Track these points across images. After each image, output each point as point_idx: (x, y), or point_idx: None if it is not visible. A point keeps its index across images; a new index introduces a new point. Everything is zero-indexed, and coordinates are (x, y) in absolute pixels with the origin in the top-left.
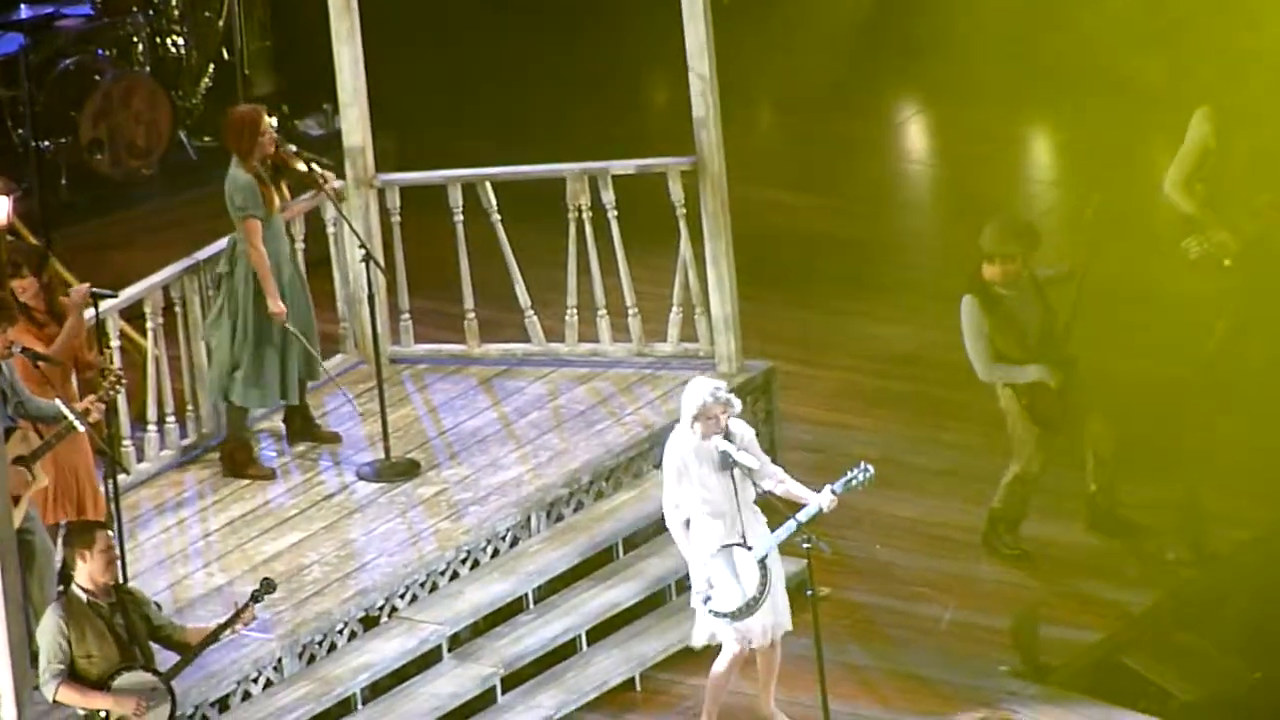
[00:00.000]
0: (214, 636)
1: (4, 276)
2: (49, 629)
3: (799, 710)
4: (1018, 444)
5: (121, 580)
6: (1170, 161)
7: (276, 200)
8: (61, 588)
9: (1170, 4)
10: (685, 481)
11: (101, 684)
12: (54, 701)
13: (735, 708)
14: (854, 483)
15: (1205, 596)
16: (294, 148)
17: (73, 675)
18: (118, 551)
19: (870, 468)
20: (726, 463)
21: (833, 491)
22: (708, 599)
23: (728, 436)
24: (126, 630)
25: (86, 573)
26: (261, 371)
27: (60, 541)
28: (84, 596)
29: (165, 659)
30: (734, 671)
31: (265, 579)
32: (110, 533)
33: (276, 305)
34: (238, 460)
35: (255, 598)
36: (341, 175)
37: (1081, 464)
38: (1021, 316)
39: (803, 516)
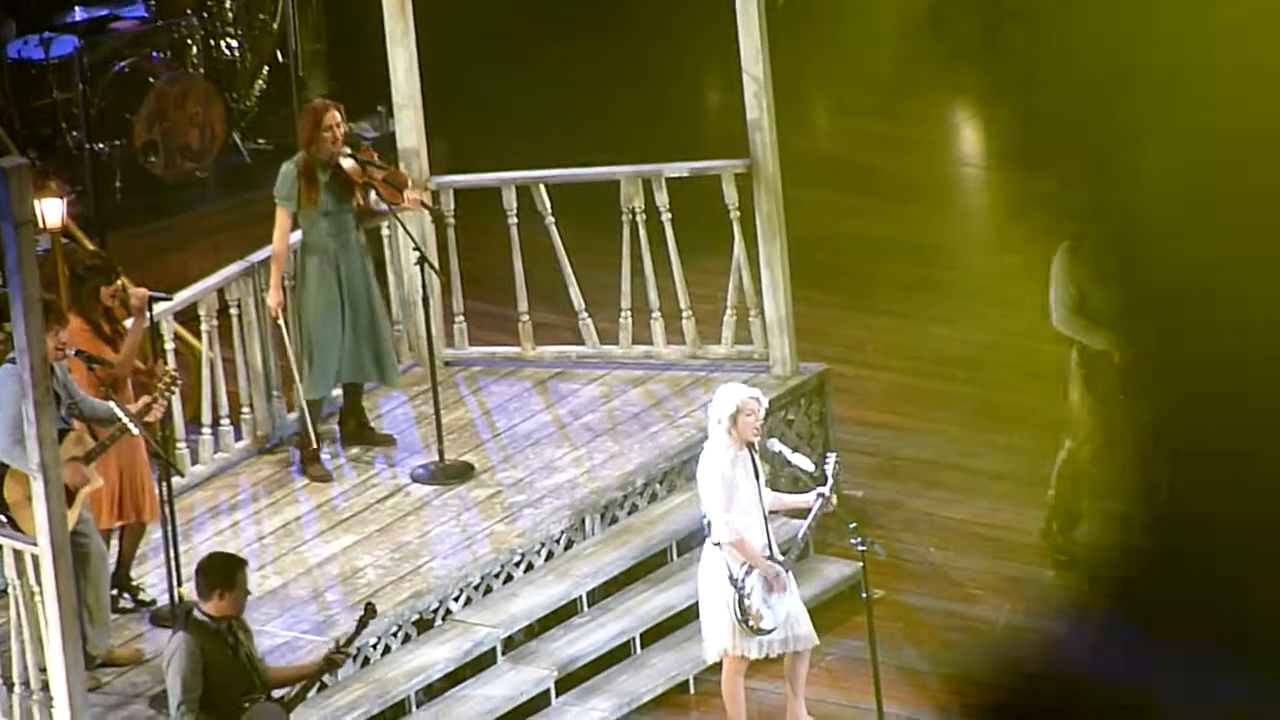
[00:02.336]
0: (313, 681)
1: (56, 279)
2: (184, 661)
3: (853, 713)
4: (1073, 419)
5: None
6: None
7: (319, 198)
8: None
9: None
10: (733, 493)
11: (230, 717)
12: None
13: (775, 708)
14: (835, 473)
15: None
16: (347, 150)
17: (202, 707)
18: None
19: (831, 454)
20: (778, 463)
21: (820, 494)
22: (748, 610)
23: (749, 444)
24: (248, 659)
25: (218, 607)
26: (312, 362)
27: (196, 571)
28: (210, 625)
29: None
30: (741, 678)
31: (368, 604)
32: (247, 572)
33: (275, 296)
34: (303, 455)
35: (361, 625)
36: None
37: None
38: (1112, 274)
39: (809, 526)
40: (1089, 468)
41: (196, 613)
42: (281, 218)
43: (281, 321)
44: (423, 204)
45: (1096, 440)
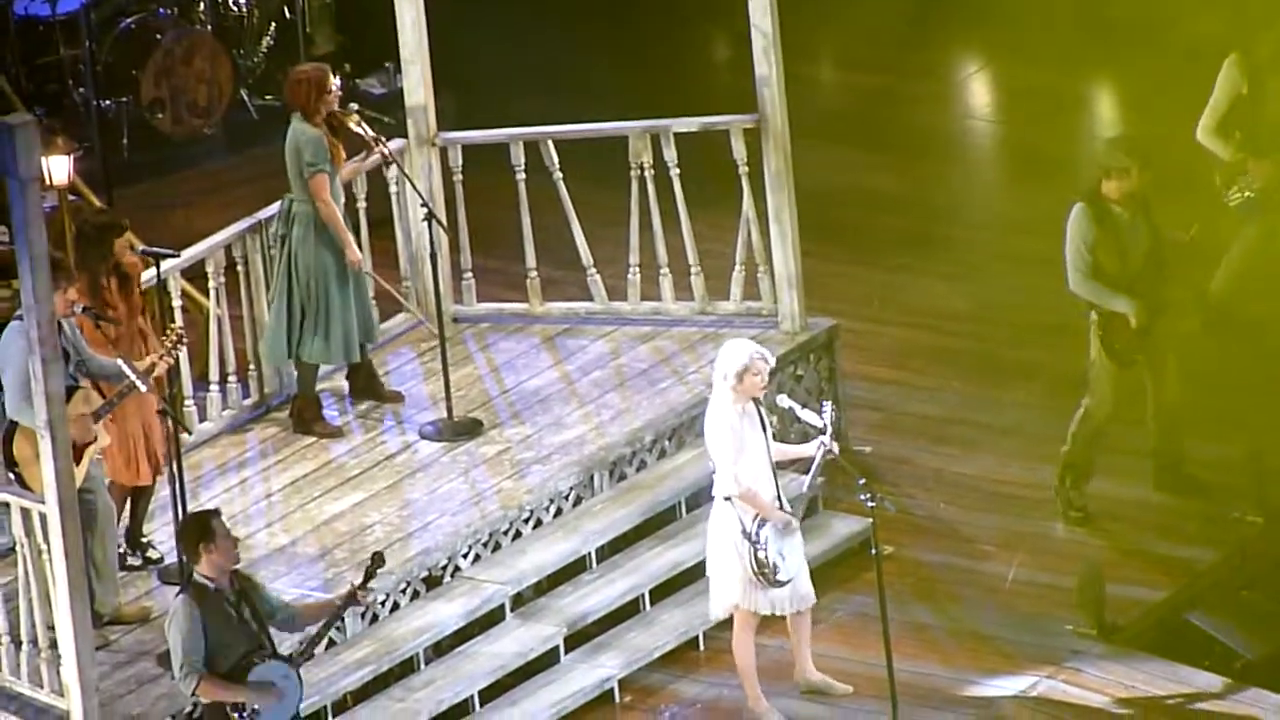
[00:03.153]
0: (337, 615)
1: (63, 236)
2: (184, 623)
3: (864, 669)
4: (1093, 379)
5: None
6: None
7: (340, 156)
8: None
9: None
10: (740, 445)
11: (234, 676)
12: (193, 696)
13: (785, 664)
14: (833, 420)
15: (1271, 554)
16: (355, 106)
17: (208, 666)
18: (235, 535)
19: (827, 403)
20: (788, 419)
21: (821, 443)
22: (763, 562)
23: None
24: (253, 617)
25: (211, 563)
26: (327, 327)
27: (176, 537)
28: (210, 585)
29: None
30: (751, 634)
31: (376, 553)
32: (223, 519)
33: (354, 253)
34: (306, 417)
35: (369, 575)
36: (403, 134)
37: (1145, 421)
38: (1129, 238)
39: (814, 475)
40: (1104, 427)
41: (196, 575)
42: (324, 185)
43: (368, 270)
44: (383, 155)
45: (1111, 403)
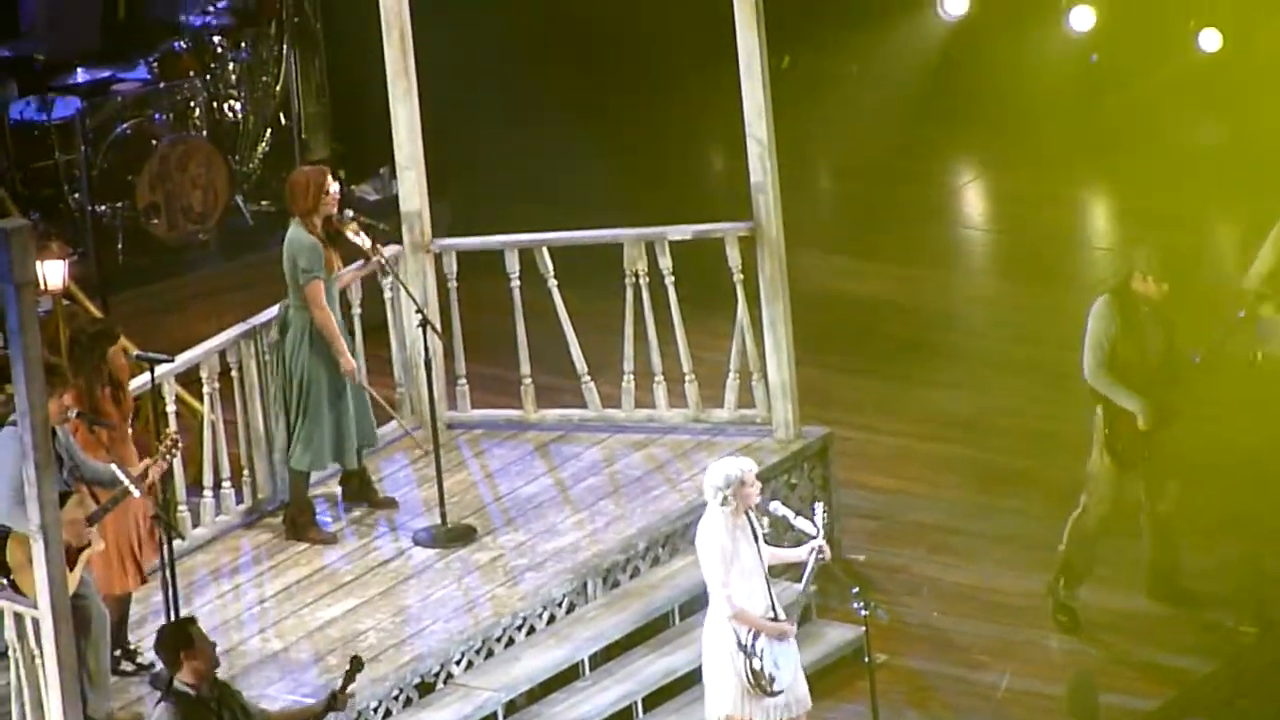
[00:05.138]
0: None
1: (58, 341)
2: None
3: None
4: (1092, 478)
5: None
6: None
7: (336, 263)
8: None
9: (1227, 70)
10: (733, 562)
11: None
12: None
13: None
14: (825, 522)
15: (1265, 663)
16: (350, 213)
17: None
18: (213, 640)
19: (816, 505)
20: (781, 527)
21: (813, 546)
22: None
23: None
24: None
25: (193, 669)
26: (316, 434)
27: (155, 646)
28: (191, 692)
29: None
30: None
31: (354, 658)
32: (200, 626)
33: (348, 362)
34: (299, 524)
35: (349, 678)
36: (398, 240)
37: (1140, 530)
38: (1150, 339)
39: (808, 579)
40: (1101, 528)
41: (177, 683)
42: (319, 291)
43: (363, 381)
44: (381, 261)
45: (1108, 504)
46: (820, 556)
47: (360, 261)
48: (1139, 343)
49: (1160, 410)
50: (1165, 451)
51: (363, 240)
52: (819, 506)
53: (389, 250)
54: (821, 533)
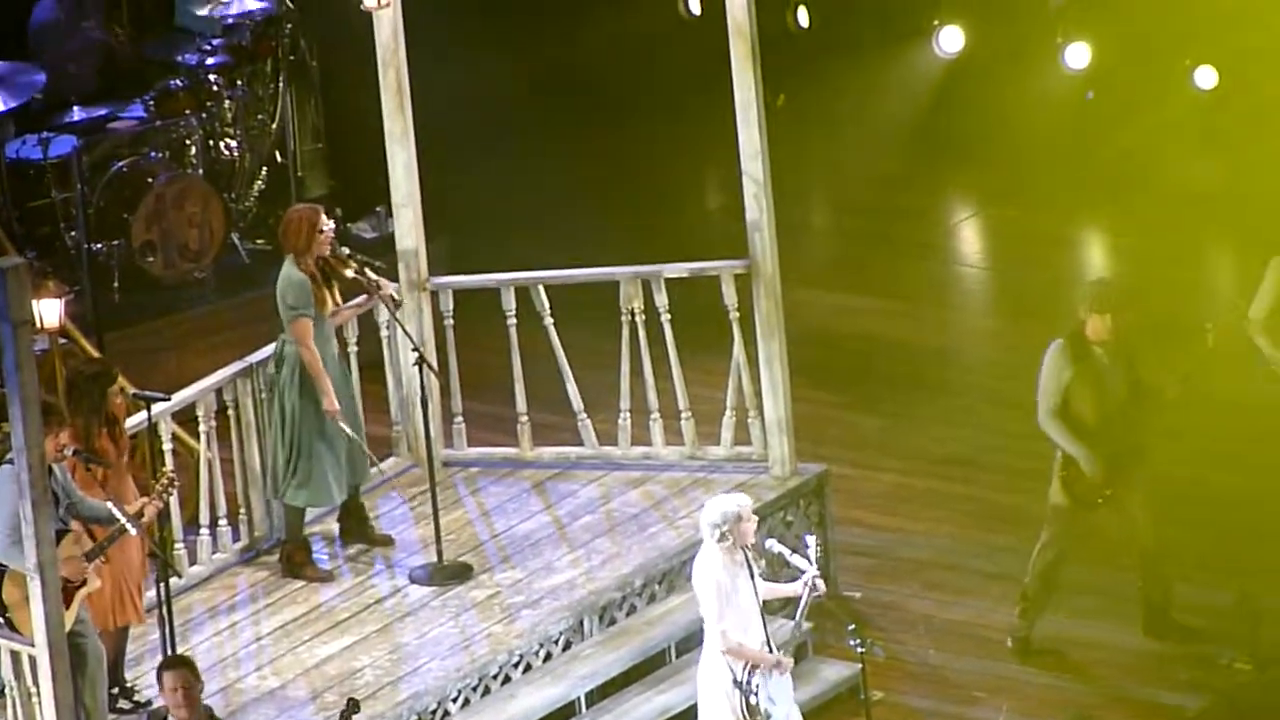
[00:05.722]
0: None
1: (54, 379)
2: None
3: None
4: (1050, 514)
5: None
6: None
7: (329, 302)
8: None
9: (1226, 107)
10: (731, 598)
11: None
12: None
13: None
14: (817, 556)
15: (1260, 700)
16: (346, 251)
17: None
18: (193, 686)
19: (808, 537)
20: (778, 564)
21: (806, 580)
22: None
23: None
24: None
25: (180, 713)
26: (310, 471)
27: (157, 679)
28: None
29: None
30: None
31: (350, 700)
32: (182, 671)
33: (331, 403)
34: (295, 561)
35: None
36: (394, 278)
37: (1133, 566)
38: (1107, 381)
39: (801, 614)
40: (1057, 565)
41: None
42: (306, 329)
43: (344, 424)
44: (391, 296)
45: (1066, 540)
46: (815, 592)
47: (362, 296)
48: (1095, 386)
49: (1118, 452)
50: (1132, 490)
51: (367, 277)
52: (810, 539)
53: (390, 287)
54: (815, 566)
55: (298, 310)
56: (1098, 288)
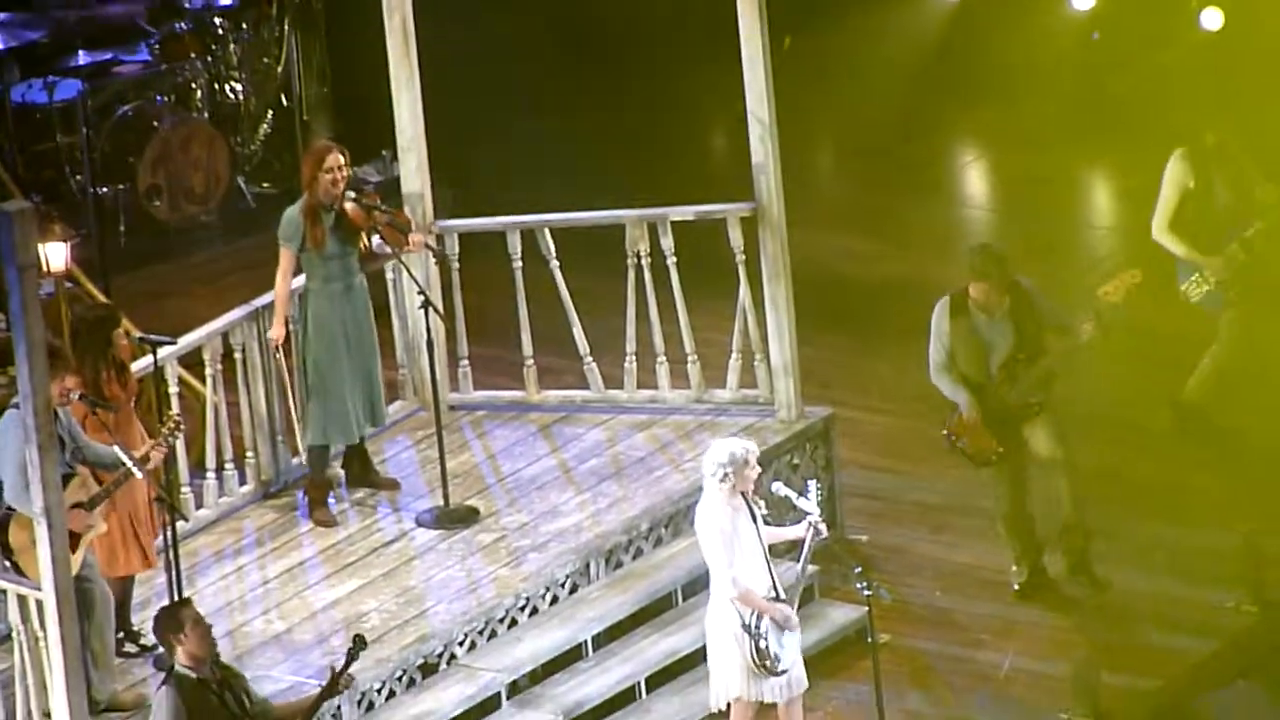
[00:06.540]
0: (314, 710)
1: (60, 324)
2: (167, 716)
3: None
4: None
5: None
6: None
7: (326, 242)
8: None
9: (1229, 50)
10: (735, 543)
11: None
12: None
13: None
14: (819, 500)
15: (1266, 643)
16: (351, 194)
17: None
18: (209, 623)
19: (810, 483)
20: (784, 507)
21: (810, 523)
22: (764, 652)
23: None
24: (237, 705)
25: (187, 653)
26: (323, 409)
27: (152, 630)
28: (192, 675)
29: None
30: None
31: (357, 637)
32: (195, 608)
33: (276, 330)
34: (311, 500)
35: (351, 658)
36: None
37: (1152, 512)
38: (986, 340)
39: (805, 558)
40: (1014, 514)
41: (178, 665)
42: (284, 259)
43: (281, 356)
44: (427, 246)
45: (1006, 489)
46: (818, 534)
47: (377, 240)
48: (974, 348)
49: (999, 419)
50: (1023, 451)
51: (395, 222)
52: (812, 484)
53: (423, 236)
54: (818, 509)
55: (281, 239)
56: (976, 254)
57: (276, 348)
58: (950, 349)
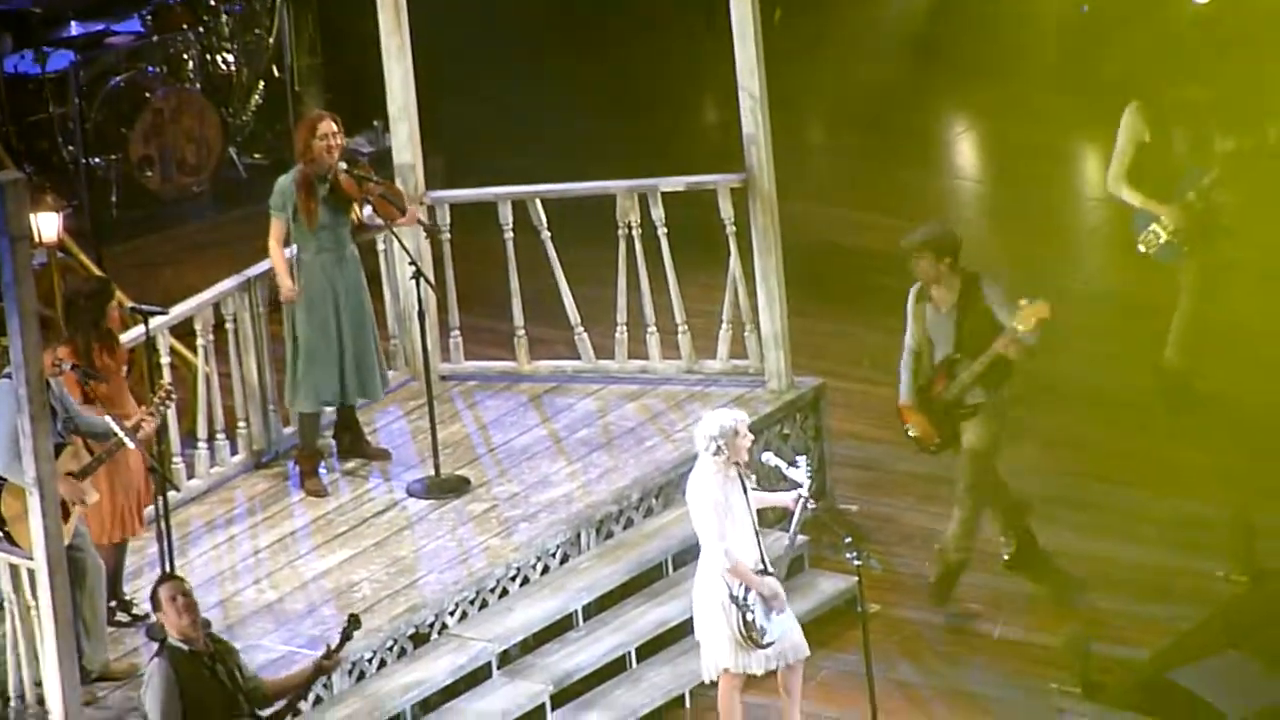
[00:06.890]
0: (305, 686)
1: (52, 294)
2: (159, 689)
3: None
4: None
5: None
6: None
7: (316, 211)
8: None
9: (1222, 23)
10: (727, 516)
11: None
12: None
13: None
14: (809, 473)
15: (1255, 613)
16: (344, 165)
17: None
18: (193, 599)
19: (799, 458)
20: (774, 477)
21: (799, 495)
22: (751, 625)
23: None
24: (229, 678)
25: (173, 626)
26: (308, 373)
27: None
28: (184, 648)
29: None
30: (738, 694)
31: (352, 616)
32: (182, 581)
33: (284, 286)
34: (302, 470)
35: (345, 638)
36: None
37: (1142, 483)
38: (932, 333)
39: (794, 529)
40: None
41: (170, 638)
42: (275, 227)
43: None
44: (419, 221)
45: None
46: (807, 507)
47: (368, 211)
48: (925, 340)
49: (939, 412)
50: (956, 437)
51: (389, 197)
52: (802, 459)
53: (416, 210)
54: (808, 483)
55: (271, 208)
56: (910, 242)
57: (292, 295)
58: (916, 335)
